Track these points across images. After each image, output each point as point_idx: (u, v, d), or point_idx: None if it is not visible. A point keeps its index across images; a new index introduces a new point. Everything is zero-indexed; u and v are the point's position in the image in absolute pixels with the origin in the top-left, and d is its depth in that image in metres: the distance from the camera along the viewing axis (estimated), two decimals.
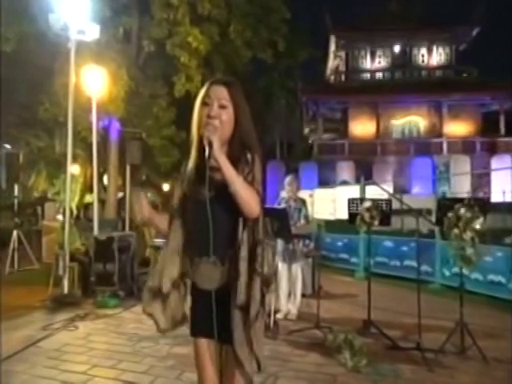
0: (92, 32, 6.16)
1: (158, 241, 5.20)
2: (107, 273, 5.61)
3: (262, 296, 1.50)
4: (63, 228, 5.99)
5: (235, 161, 1.47)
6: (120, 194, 11.87)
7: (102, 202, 10.59)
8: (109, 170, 10.60)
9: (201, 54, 9.43)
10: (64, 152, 8.28)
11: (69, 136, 6.01)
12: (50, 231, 9.28)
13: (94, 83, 6.71)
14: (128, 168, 7.87)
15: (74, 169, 12.57)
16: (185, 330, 4.64)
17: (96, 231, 6.30)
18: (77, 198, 14.16)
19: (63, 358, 3.50)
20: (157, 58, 10.29)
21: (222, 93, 1.53)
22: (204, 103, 1.54)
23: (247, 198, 1.42)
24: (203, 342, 1.60)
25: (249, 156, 1.50)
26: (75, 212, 12.20)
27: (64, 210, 7.06)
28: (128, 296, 5.65)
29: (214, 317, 1.49)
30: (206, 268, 1.53)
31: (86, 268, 5.89)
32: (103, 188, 12.77)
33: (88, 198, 13.77)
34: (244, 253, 1.47)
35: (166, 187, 20.45)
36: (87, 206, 8.44)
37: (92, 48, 7.80)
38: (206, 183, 1.46)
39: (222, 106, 1.53)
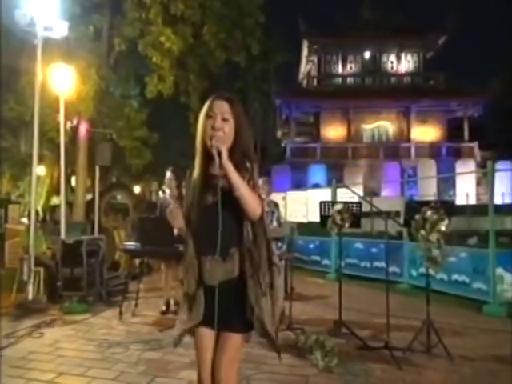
0: (60, 29, 5.97)
1: (129, 244, 5.09)
2: (75, 277, 5.43)
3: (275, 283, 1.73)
4: (28, 231, 5.78)
5: (236, 169, 1.64)
6: (89, 196, 11.56)
7: (70, 205, 10.29)
8: (77, 172, 10.32)
9: (174, 54, 9.34)
10: (30, 152, 7.99)
11: (35, 136, 5.80)
12: (13, 235, 8.88)
13: (62, 82, 6.49)
14: (97, 169, 7.69)
15: (39, 170, 12.16)
16: (156, 334, 4.52)
17: (63, 234, 6.12)
18: (43, 201, 13.70)
19: (29, 367, 3.36)
20: (129, 57, 10.13)
21: (223, 107, 1.71)
22: (208, 116, 1.71)
23: (251, 200, 1.61)
24: (205, 332, 1.72)
25: (248, 165, 1.68)
26: (41, 215, 11.79)
27: (29, 212, 6.82)
28: (97, 301, 5.51)
29: (215, 306, 1.65)
30: (212, 265, 1.67)
31: (52, 273, 5.68)
32: (71, 190, 12.42)
33: (55, 201, 13.37)
34: (256, 248, 1.68)
35: (137, 189, 20.10)
36: (54, 209, 8.19)
37: (60, 46, 7.59)
38: (217, 189, 1.63)
39: (225, 119, 1.70)
